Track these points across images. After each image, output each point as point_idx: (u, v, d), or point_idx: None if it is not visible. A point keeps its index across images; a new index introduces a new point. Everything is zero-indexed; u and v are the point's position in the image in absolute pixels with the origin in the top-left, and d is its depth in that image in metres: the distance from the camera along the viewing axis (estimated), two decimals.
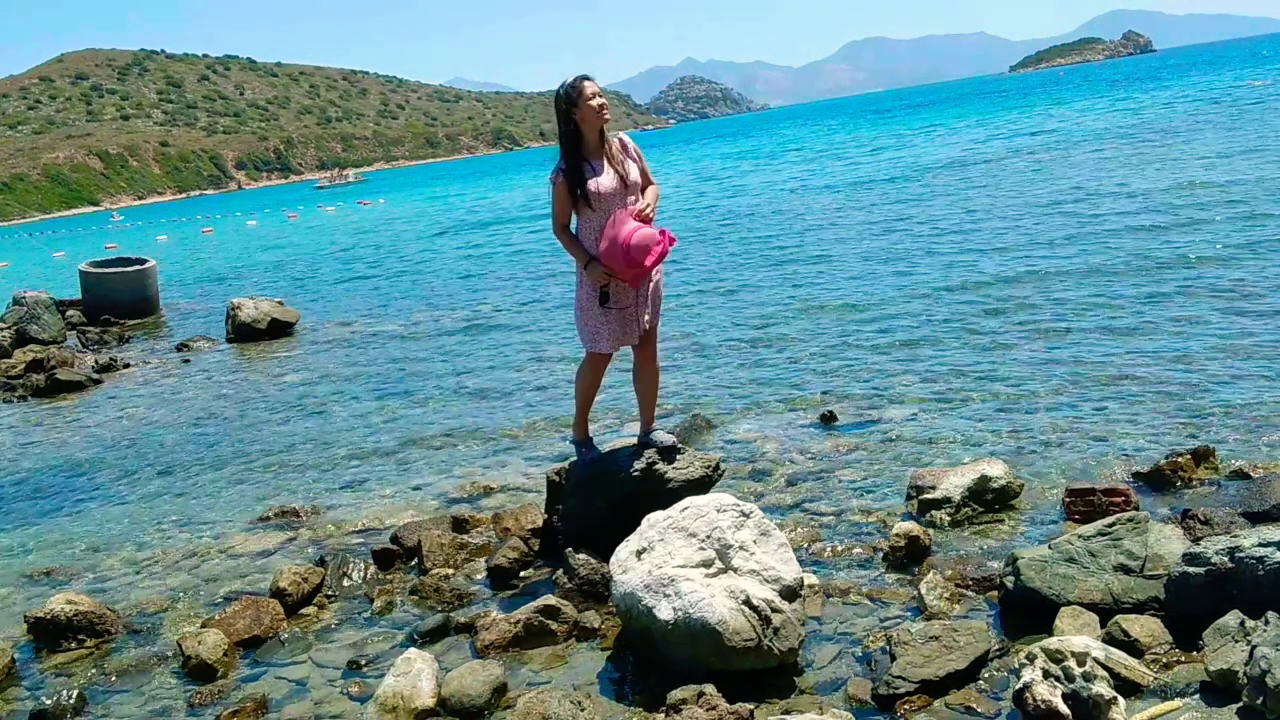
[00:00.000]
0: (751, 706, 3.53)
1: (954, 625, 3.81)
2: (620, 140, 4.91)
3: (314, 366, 11.56)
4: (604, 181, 4.72)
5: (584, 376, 5.10)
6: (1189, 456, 5.18)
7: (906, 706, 3.50)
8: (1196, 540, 4.01)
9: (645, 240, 4.59)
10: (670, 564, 4.00)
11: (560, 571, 4.77)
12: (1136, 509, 4.58)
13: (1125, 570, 3.91)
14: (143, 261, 18.99)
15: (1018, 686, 3.32)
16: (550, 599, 4.45)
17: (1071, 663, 3.28)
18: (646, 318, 4.89)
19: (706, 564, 4.02)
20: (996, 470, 5.16)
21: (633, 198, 4.79)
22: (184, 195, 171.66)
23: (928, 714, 3.47)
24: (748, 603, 3.80)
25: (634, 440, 5.19)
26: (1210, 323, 7.98)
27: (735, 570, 4.03)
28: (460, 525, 5.67)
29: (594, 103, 4.69)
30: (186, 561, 5.85)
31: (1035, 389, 6.98)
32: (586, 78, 4.76)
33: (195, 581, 5.54)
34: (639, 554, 4.15)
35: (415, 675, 3.87)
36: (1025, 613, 3.93)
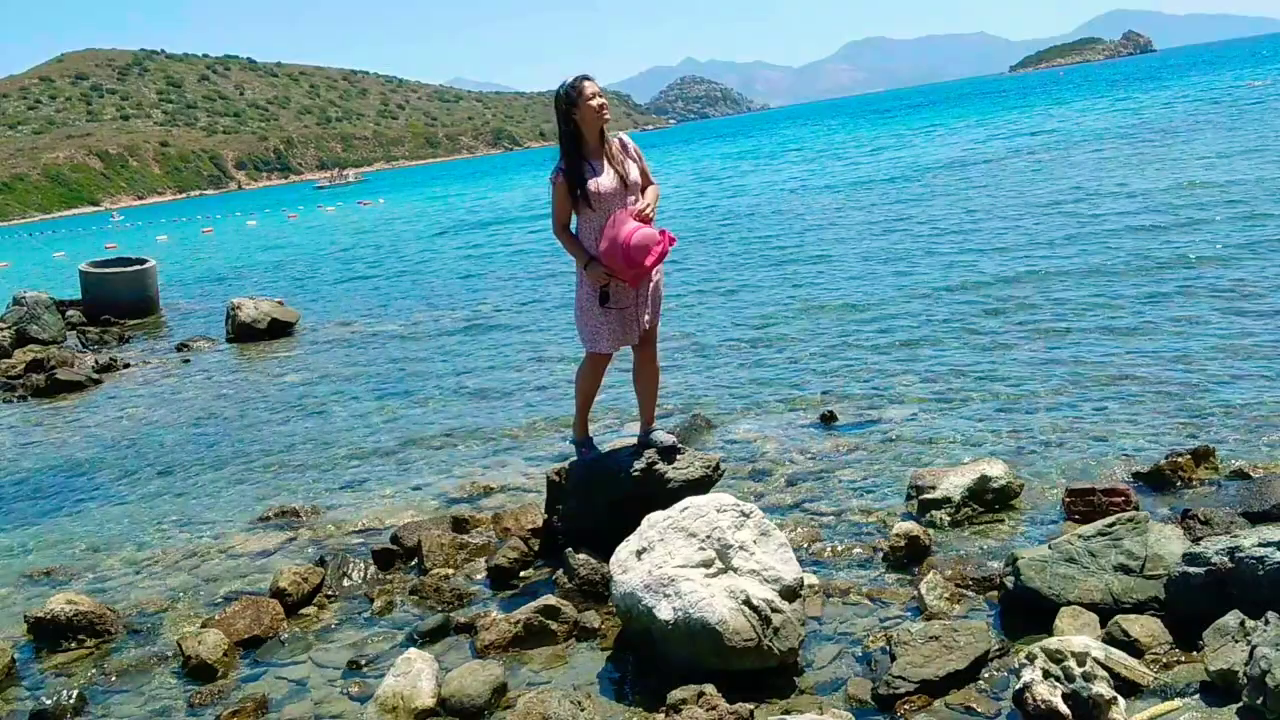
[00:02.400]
0: (751, 706, 3.53)
1: (954, 625, 3.81)
2: (620, 140, 4.91)
3: (314, 366, 11.56)
4: (604, 181, 4.72)
5: (584, 377, 5.10)
6: (1189, 456, 5.17)
7: (906, 706, 3.50)
8: (1196, 540, 4.01)
9: (645, 240, 4.60)
10: (670, 564, 4.00)
11: (560, 571, 4.77)
12: (1136, 509, 4.57)
13: (1125, 570, 3.91)
14: (143, 261, 18.99)
15: (1018, 686, 3.32)
16: (550, 599, 4.45)
17: (1071, 663, 3.28)
18: (646, 318, 4.89)
19: (706, 564, 4.02)
20: (996, 470, 5.16)
21: (632, 198, 4.80)
22: (184, 195, 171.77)
23: (928, 714, 3.47)
24: (748, 603, 3.80)
25: (634, 440, 5.19)
26: (1210, 323, 7.98)
27: (735, 570, 4.03)
28: (460, 525, 5.67)
29: (594, 103, 4.70)
30: (186, 561, 5.85)
31: (1035, 389, 6.98)
32: (586, 78, 4.77)
33: (195, 581, 5.54)
34: (639, 554, 4.15)
35: (415, 675, 3.87)
36: (1025, 613, 3.93)
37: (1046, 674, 3.27)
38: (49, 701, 4.20)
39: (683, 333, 10.38)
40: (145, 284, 18.52)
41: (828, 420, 6.84)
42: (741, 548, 4.09)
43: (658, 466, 4.97)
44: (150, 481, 7.65)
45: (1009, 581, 4.02)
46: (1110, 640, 3.57)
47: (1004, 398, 6.90)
